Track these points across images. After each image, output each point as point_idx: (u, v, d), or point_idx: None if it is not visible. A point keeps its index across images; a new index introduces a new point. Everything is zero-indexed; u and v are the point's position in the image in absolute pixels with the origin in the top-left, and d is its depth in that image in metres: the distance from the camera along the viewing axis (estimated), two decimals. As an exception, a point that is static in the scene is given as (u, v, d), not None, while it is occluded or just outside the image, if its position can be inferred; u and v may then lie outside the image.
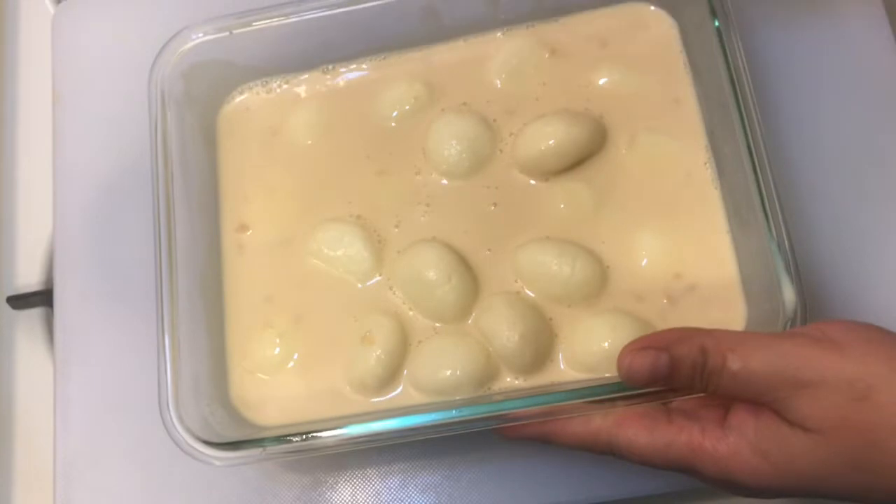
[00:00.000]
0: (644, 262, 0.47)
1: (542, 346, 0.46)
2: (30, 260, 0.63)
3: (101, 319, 0.55)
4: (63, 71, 0.61)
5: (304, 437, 0.43)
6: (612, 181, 0.49)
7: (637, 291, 0.47)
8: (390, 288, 0.49)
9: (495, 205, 0.50)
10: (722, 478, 0.37)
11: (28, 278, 0.63)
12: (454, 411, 0.42)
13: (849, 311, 0.48)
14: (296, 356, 0.49)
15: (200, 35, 0.51)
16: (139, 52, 0.53)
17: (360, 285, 0.50)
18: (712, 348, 0.37)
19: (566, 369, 0.46)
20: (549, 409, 0.41)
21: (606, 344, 0.45)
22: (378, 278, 0.49)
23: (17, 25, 0.69)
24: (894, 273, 0.49)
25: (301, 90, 0.54)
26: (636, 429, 0.39)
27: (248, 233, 0.52)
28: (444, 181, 0.51)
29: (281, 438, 0.43)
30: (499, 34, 0.53)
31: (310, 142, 0.53)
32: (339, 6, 0.50)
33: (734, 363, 0.36)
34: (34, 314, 0.62)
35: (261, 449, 0.43)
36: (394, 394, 0.47)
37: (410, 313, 0.48)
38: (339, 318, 0.49)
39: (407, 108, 0.52)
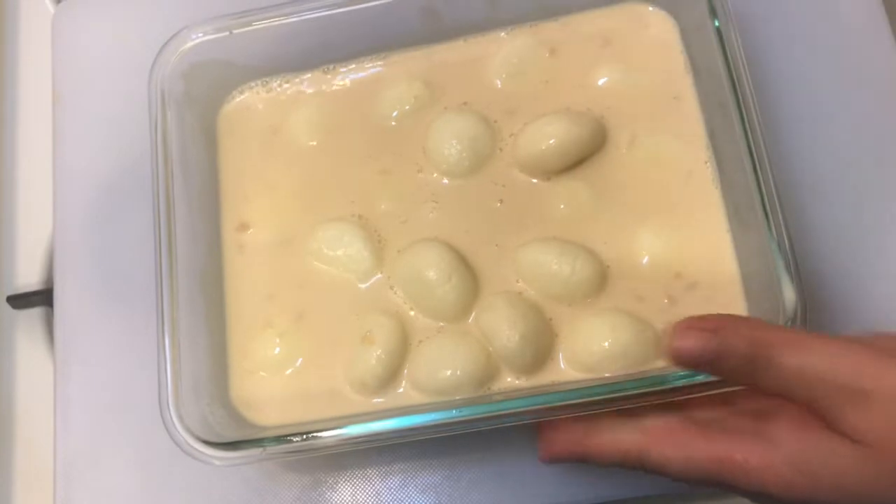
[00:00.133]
0: (644, 261, 0.47)
1: (542, 345, 0.46)
2: (30, 260, 0.63)
3: (101, 319, 0.55)
4: (63, 71, 0.61)
5: (304, 437, 0.43)
6: (612, 180, 0.49)
7: (637, 291, 0.47)
8: (391, 287, 0.49)
9: (496, 204, 0.50)
10: (756, 491, 0.36)
11: (28, 278, 0.63)
12: (454, 411, 0.42)
13: (849, 310, 0.48)
14: (296, 356, 0.49)
15: (200, 35, 0.51)
16: (139, 52, 0.53)
17: (360, 285, 0.50)
18: (765, 340, 0.35)
19: (566, 369, 0.46)
20: (551, 409, 0.41)
21: (607, 344, 0.45)
22: (378, 278, 0.49)
23: (17, 25, 0.69)
24: (894, 273, 0.49)
25: (301, 90, 0.54)
26: (667, 446, 0.38)
27: (249, 232, 0.52)
28: (445, 181, 0.51)
29: (281, 438, 0.43)
30: (499, 34, 0.53)
31: (310, 141, 0.53)
32: (339, 6, 0.50)
33: (789, 358, 0.34)
34: (34, 314, 0.62)
35: (261, 449, 0.43)
36: (394, 394, 0.47)
37: (411, 313, 0.48)
38: (340, 318, 0.49)
39: (407, 107, 0.52)
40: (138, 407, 0.50)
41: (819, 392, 0.34)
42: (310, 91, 0.54)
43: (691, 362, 0.37)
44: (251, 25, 0.51)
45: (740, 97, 0.44)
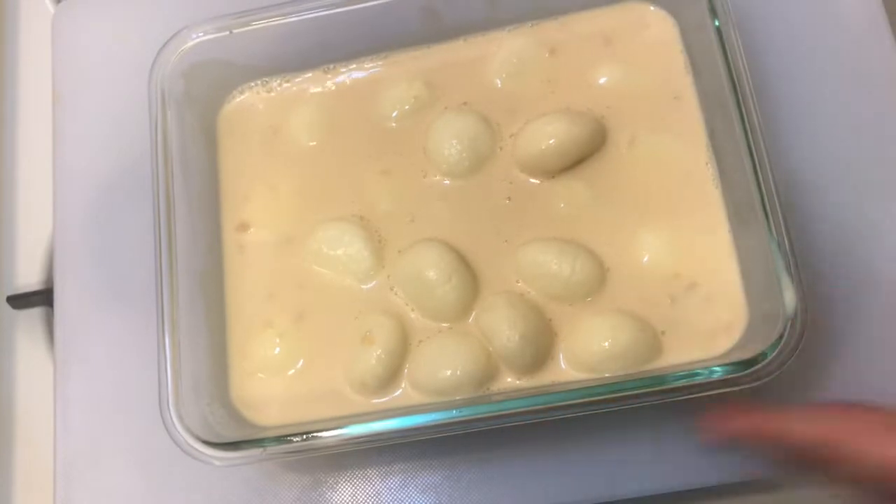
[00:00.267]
0: (644, 260, 0.47)
1: (542, 345, 0.46)
2: (30, 260, 0.63)
3: (101, 319, 0.54)
4: (63, 71, 0.60)
5: (305, 437, 0.43)
6: (612, 180, 0.49)
7: (638, 291, 0.47)
8: (391, 288, 0.49)
9: (497, 204, 0.50)
10: None
11: (28, 278, 0.63)
12: (454, 411, 0.42)
13: (849, 310, 0.48)
14: (296, 356, 0.49)
15: (200, 35, 0.51)
16: (139, 52, 0.53)
17: (360, 285, 0.50)
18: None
19: (567, 369, 0.46)
20: (551, 409, 0.41)
21: (607, 343, 0.45)
22: (378, 278, 0.49)
23: (17, 25, 0.69)
24: (894, 273, 0.49)
25: (301, 90, 0.54)
26: (866, 441, 0.37)
27: (249, 232, 0.52)
28: (445, 181, 0.51)
29: (281, 438, 0.43)
30: (499, 34, 0.53)
31: (310, 141, 0.53)
32: (339, 6, 0.50)
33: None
34: (34, 314, 0.62)
35: (261, 449, 0.43)
36: (394, 394, 0.47)
37: (411, 313, 0.48)
38: (340, 318, 0.49)
39: (407, 107, 0.52)
40: (138, 407, 0.50)
41: None
42: (310, 91, 0.54)
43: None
44: (251, 25, 0.51)
45: (740, 97, 0.44)
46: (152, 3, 0.61)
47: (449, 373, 0.45)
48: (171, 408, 0.44)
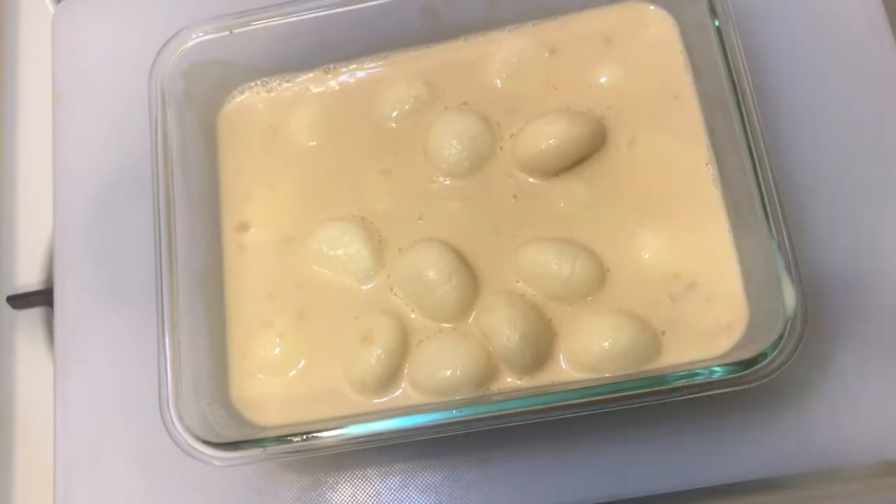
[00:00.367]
0: (644, 260, 0.47)
1: (542, 345, 0.46)
2: (30, 260, 0.63)
3: (101, 319, 0.54)
4: (63, 71, 0.60)
5: (305, 437, 0.43)
6: (612, 180, 0.49)
7: (638, 290, 0.47)
8: (391, 288, 0.49)
9: (497, 204, 0.50)
10: None
11: (28, 278, 0.63)
12: (454, 411, 0.42)
13: (849, 310, 0.48)
14: (296, 356, 0.49)
15: (200, 35, 0.51)
16: (139, 52, 0.53)
17: (360, 285, 0.49)
18: None
19: (567, 369, 0.46)
20: (551, 409, 0.41)
21: (607, 343, 0.45)
22: (378, 278, 0.49)
23: (17, 25, 0.69)
24: (894, 273, 0.49)
25: (301, 90, 0.54)
26: None
27: (249, 232, 0.52)
28: (445, 181, 0.51)
29: (281, 438, 0.43)
30: (499, 34, 0.53)
31: (310, 141, 0.53)
32: (339, 6, 0.50)
33: None
34: (34, 314, 0.62)
35: (261, 449, 0.43)
36: (394, 394, 0.47)
37: (411, 314, 0.48)
38: (340, 318, 0.49)
39: (407, 107, 0.52)
40: (138, 407, 0.50)
41: None
42: (310, 91, 0.54)
43: None
44: (251, 25, 0.51)
45: (740, 97, 0.44)
46: (152, 3, 0.61)
47: (449, 373, 0.45)
48: (171, 408, 0.44)
